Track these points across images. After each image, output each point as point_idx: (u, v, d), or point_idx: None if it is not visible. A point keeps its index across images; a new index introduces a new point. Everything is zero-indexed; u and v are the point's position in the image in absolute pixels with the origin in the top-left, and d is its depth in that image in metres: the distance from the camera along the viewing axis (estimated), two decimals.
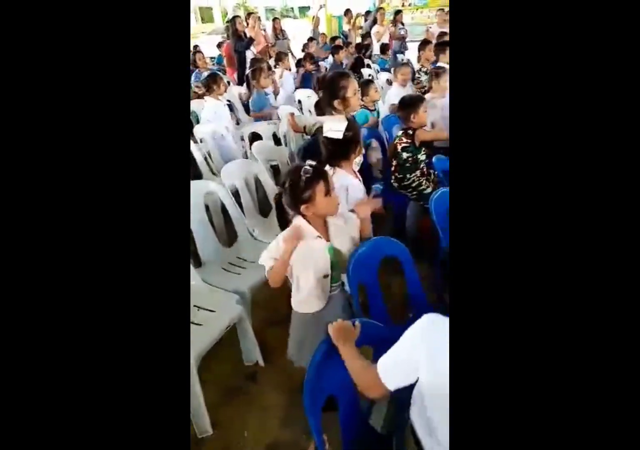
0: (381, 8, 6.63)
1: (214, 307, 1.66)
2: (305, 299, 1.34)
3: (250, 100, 3.64)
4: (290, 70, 4.73)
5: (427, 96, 2.76)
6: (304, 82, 4.63)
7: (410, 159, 2.29)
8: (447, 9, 6.56)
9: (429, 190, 2.28)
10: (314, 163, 1.26)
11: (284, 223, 1.32)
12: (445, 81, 2.80)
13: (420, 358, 0.79)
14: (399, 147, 2.29)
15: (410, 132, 2.27)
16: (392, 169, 2.36)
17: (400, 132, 2.32)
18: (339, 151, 1.57)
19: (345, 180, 1.56)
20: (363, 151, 1.66)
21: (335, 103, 1.82)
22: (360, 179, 1.67)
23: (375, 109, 3.05)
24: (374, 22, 6.33)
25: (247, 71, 3.98)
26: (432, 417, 0.85)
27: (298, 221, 1.28)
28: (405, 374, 0.83)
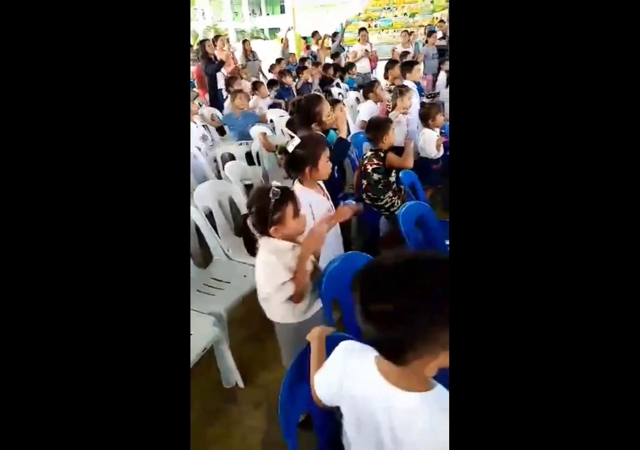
0: (364, 28, 6.91)
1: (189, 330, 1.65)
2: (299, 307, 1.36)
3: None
4: (266, 97, 4.77)
5: (391, 114, 2.85)
6: (280, 97, 4.76)
7: (382, 180, 2.33)
8: (410, 29, 6.86)
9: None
10: (280, 184, 1.28)
11: (250, 245, 1.33)
12: (408, 98, 2.91)
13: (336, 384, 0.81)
14: (370, 168, 2.33)
15: (382, 154, 2.30)
16: (364, 187, 2.42)
17: (370, 153, 2.36)
18: (290, 166, 1.61)
19: (307, 197, 1.57)
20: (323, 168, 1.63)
21: (312, 125, 2.00)
22: (327, 194, 1.70)
23: None
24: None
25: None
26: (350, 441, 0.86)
27: (269, 241, 1.29)
28: (330, 396, 0.85)
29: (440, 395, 0.69)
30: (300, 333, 1.36)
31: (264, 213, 1.23)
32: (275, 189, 1.23)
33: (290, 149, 1.58)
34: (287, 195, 1.26)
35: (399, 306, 0.62)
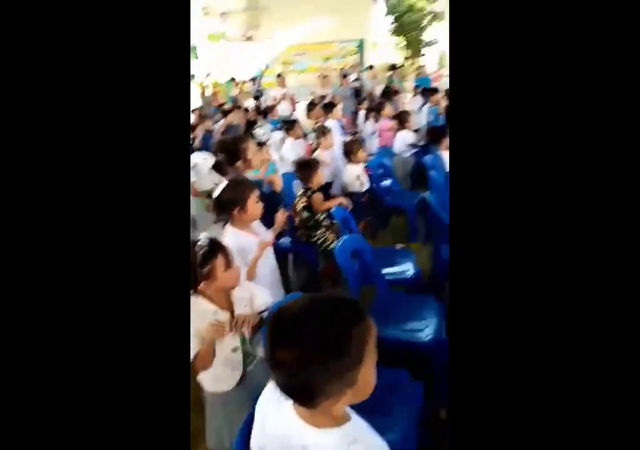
0: (280, 74, 7.28)
1: None
2: (216, 375, 1.24)
3: None
4: None
5: (316, 154, 2.95)
6: (204, 142, 4.70)
7: (311, 218, 2.39)
8: (324, 73, 7.31)
9: (333, 245, 2.36)
10: (209, 235, 1.22)
11: None
12: (331, 137, 3.04)
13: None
14: (299, 206, 2.39)
15: (310, 193, 2.38)
16: (296, 225, 2.44)
17: (301, 191, 2.44)
18: (218, 209, 1.59)
19: (236, 239, 1.54)
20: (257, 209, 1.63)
21: (238, 163, 1.97)
22: (258, 232, 1.67)
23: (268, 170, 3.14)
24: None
25: None
26: None
27: (195, 300, 1.21)
28: (259, 444, 0.83)
29: (355, 427, 0.71)
30: (225, 404, 1.25)
31: (191, 269, 1.15)
32: (201, 243, 1.17)
33: (215, 193, 1.55)
34: (216, 247, 1.19)
35: (300, 353, 0.63)
